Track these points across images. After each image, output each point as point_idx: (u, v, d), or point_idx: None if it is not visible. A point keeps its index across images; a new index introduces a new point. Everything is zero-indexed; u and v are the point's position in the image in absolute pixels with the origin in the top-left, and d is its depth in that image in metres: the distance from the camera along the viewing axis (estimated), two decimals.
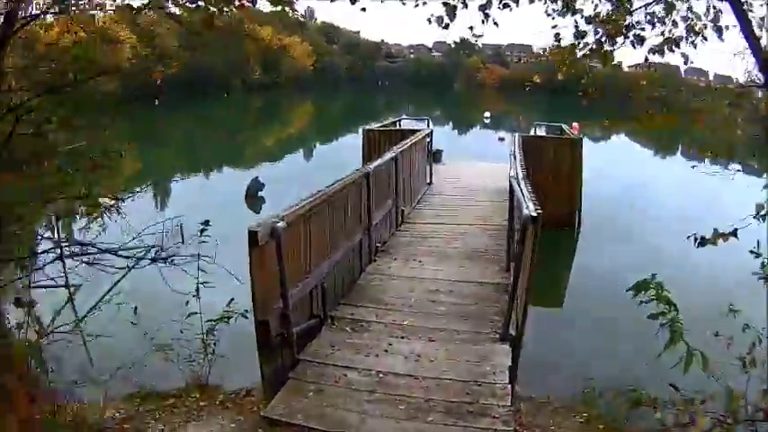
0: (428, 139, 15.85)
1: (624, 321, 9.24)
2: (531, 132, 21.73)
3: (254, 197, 18.93)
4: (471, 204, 13.28)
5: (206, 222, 7.13)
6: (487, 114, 53.85)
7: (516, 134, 14.88)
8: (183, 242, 11.56)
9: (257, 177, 19.51)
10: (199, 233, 7.06)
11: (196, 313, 6.68)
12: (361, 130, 16.71)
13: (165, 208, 19.68)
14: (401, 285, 8.10)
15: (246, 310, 6.20)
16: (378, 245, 9.51)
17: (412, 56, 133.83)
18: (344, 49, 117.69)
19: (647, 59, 5.63)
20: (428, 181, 15.54)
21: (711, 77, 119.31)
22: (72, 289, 9.37)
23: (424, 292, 7.79)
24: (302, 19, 76.52)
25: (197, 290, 6.89)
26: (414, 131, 15.36)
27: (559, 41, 5.56)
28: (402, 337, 6.53)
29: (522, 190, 6.94)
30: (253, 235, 5.03)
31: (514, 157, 10.53)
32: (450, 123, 54.90)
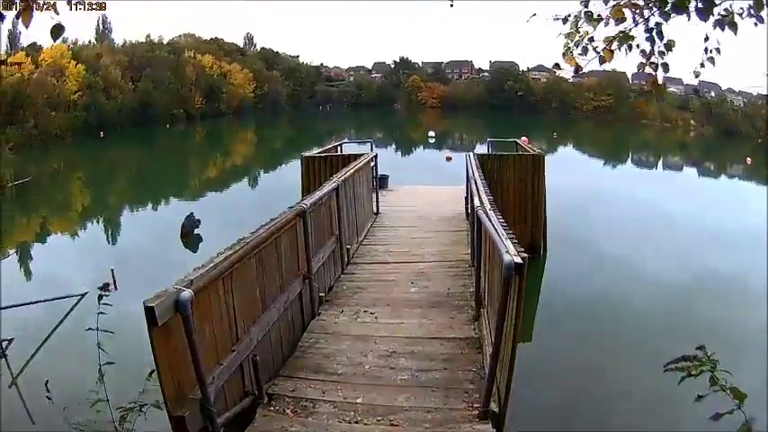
0: (372, 164, 14.51)
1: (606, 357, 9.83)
2: (483, 149, 20.94)
3: (189, 235, 17.73)
4: (426, 236, 12.02)
5: (104, 287, 5.73)
6: (432, 134, 53.69)
7: (471, 154, 13.47)
8: (115, 288, 11.03)
9: (191, 214, 18.20)
10: (98, 300, 5.70)
11: (101, 401, 5.42)
12: (300, 158, 15.26)
13: (103, 246, 19.12)
14: (351, 347, 6.66)
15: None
16: (321, 294, 8.01)
17: (352, 78, 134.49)
18: (284, 75, 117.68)
19: (602, 60, 4.31)
20: (375, 211, 14.27)
21: (660, 80, 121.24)
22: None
23: (380, 356, 6.38)
24: (241, 46, 76.48)
25: (100, 372, 5.60)
26: (356, 156, 13.91)
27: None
28: (356, 422, 5.13)
29: (494, 226, 5.61)
30: (150, 312, 3.76)
31: (474, 182, 9.19)
32: (394, 145, 54.49)
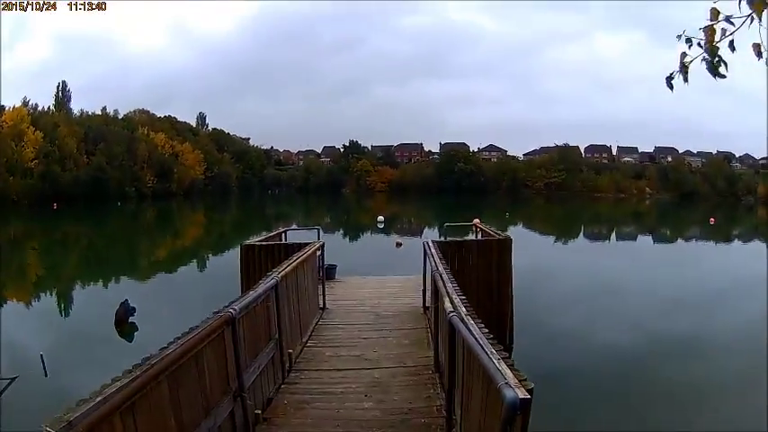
0: (319, 254, 13.17)
1: None
2: (434, 234, 20.20)
3: (123, 323, 16.39)
4: (381, 336, 10.63)
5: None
6: (381, 218, 52.94)
7: (429, 241, 12.00)
8: (45, 375, 11.86)
9: (126, 301, 16.86)
10: None
11: None
12: (239, 247, 13.84)
13: (54, 318, 19.08)
14: None
15: None
16: (257, 412, 6.66)
17: (301, 162, 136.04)
18: (234, 157, 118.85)
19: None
20: (321, 305, 12.87)
21: (615, 151, 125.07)
22: None
23: None
24: (194, 125, 79.13)
25: None
26: (301, 246, 12.64)
27: None
28: None
29: (479, 342, 4.33)
30: None
31: (440, 277, 7.75)
32: (342, 230, 53.97)
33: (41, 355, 12.14)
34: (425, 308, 12.13)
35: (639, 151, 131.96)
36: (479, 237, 17.08)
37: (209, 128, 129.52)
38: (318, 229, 17.75)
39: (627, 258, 34.88)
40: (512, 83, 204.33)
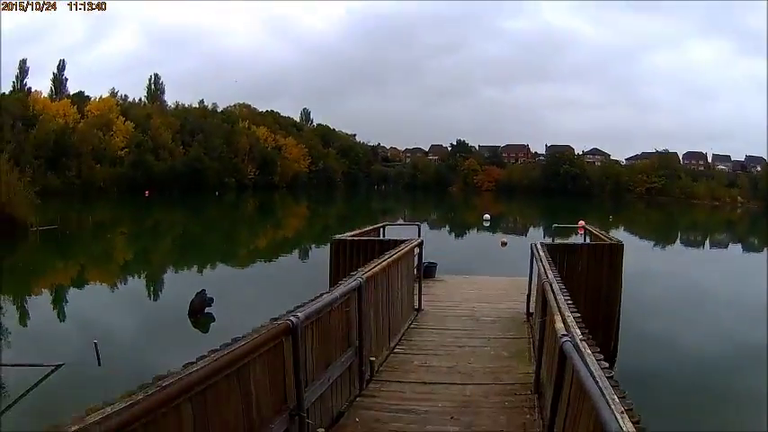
0: (416, 252, 12.05)
1: None
2: (539, 234, 18.84)
3: (198, 313, 15.72)
4: (478, 345, 9.41)
5: None
6: (487, 217, 51.72)
7: (538, 244, 10.90)
8: (99, 364, 11.61)
9: (203, 291, 16.14)
10: None
11: None
12: (330, 242, 12.72)
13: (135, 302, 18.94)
14: None
15: None
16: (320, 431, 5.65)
17: (408, 159, 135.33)
18: (340, 152, 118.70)
19: None
20: (416, 306, 11.69)
21: (710, 159, 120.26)
22: None
23: None
24: (298, 121, 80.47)
25: None
26: (397, 243, 11.39)
27: None
28: None
29: (598, 382, 3.23)
30: None
31: (550, 287, 6.63)
32: (447, 227, 53.57)
33: (95, 344, 11.84)
34: (529, 314, 10.93)
35: (732, 159, 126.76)
36: (588, 240, 15.75)
37: (314, 124, 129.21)
38: (419, 225, 16.50)
39: (717, 265, 34.30)
40: (610, 88, 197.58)
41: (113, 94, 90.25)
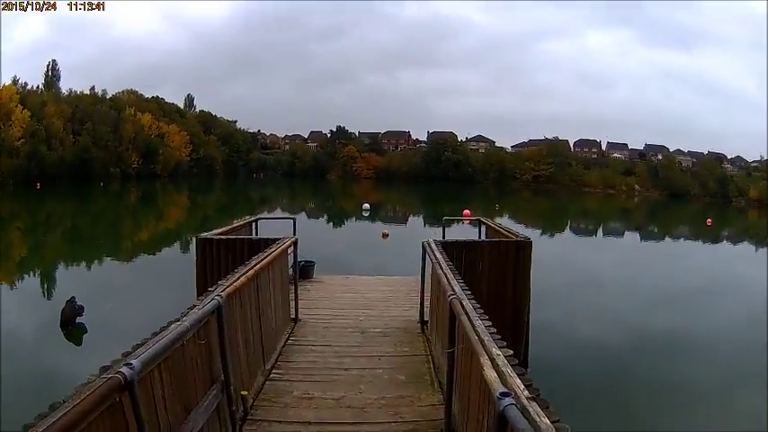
0: (291, 251, 10.42)
1: None
2: (422, 225, 17.52)
3: (70, 324, 13.88)
4: (366, 366, 7.87)
5: None
6: (366, 206, 50.23)
7: (431, 242, 9.39)
8: None
9: (73, 298, 14.24)
10: None
11: None
12: (194, 240, 11.15)
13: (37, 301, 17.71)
14: None
15: None
16: None
17: (288, 146, 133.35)
18: (221, 139, 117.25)
19: None
20: (293, 315, 10.12)
21: (604, 146, 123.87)
22: None
23: None
24: (182, 107, 77.86)
25: None
26: (268, 242, 9.79)
27: None
28: None
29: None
30: None
31: (463, 309, 5.12)
32: (326, 216, 52.53)
33: None
34: (423, 323, 9.54)
35: (629, 148, 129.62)
36: (484, 234, 14.38)
37: (197, 110, 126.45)
38: (294, 219, 14.79)
39: (612, 254, 34.19)
40: (500, 75, 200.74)
41: (15, 81, 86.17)
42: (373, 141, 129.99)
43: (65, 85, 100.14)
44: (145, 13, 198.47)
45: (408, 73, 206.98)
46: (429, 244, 9.06)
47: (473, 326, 4.57)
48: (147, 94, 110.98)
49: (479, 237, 14.49)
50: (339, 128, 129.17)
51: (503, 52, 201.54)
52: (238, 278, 6.33)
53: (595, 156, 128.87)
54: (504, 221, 40.06)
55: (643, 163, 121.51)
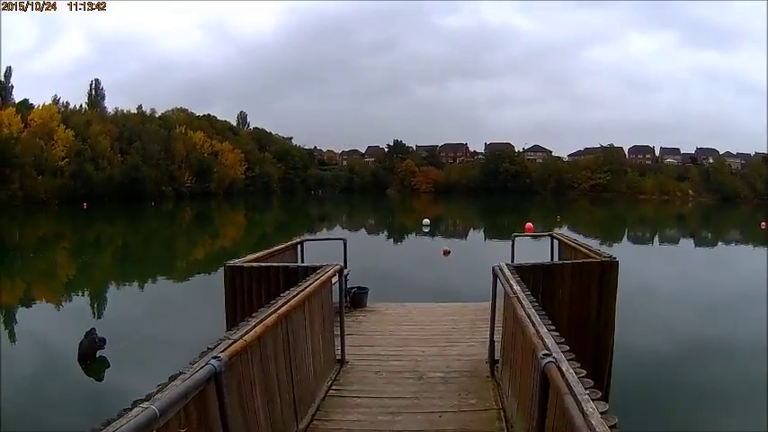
0: (335, 281, 8.49)
1: None
2: (482, 239, 15.83)
3: (88, 358, 12.56)
4: (423, 427, 6.20)
5: None
6: (426, 221, 48.66)
7: (503, 266, 7.73)
8: None
9: (93, 330, 12.91)
10: None
11: None
12: (224, 268, 9.30)
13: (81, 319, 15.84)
14: None
15: None
16: None
17: (345, 162, 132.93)
18: (276, 157, 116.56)
19: None
20: (338, 357, 8.35)
21: (658, 152, 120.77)
22: None
23: None
24: (234, 124, 78.52)
25: None
26: (308, 270, 8.34)
27: None
28: None
29: None
30: None
31: (560, 374, 3.56)
32: (386, 232, 51.78)
33: None
34: (493, 364, 7.82)
35: (681, 152, 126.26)
36: (556, 251, 12.62)
37: (251, 127, 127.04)
38: (344, 241, 13.26)
39: (668, 262, 33.10)
40: (547, 83, 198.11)
41: (55, 101, 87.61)
42: (431, 154, 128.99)
43: (109, 104, 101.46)
44: (186, 29, 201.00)
45: (459, 84, 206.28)
46: (501, 270, 7.36)
47: (583, 413, 2.92)
48: (198, 113, 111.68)
49: (551, 254, 12.71)
50: (396, 142, 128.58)
51: (548, 60, 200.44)
52: (253, 327, 4.79)
53: (650, 162, 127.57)
54: (565, 233, 38.32)
55: (695, 167, 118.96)
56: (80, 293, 22.73)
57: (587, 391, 3.24)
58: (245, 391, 4.58)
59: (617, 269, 8.83)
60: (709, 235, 53.36)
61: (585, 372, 3.55)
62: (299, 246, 12.51)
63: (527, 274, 7.97)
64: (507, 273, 7.15)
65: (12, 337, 15.91)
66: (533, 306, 5.36)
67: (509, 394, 6.39)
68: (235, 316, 8.47)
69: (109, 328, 14.50)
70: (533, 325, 4.67)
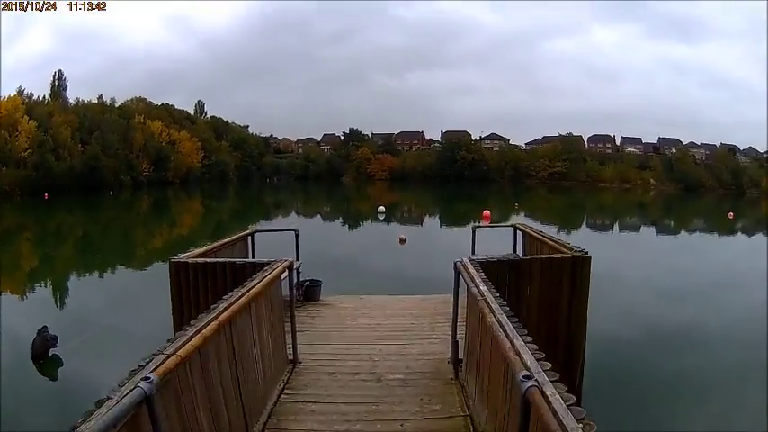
0: (284, 276, 7.62)
1: None
2: (438, 226, 15.42)
3: (41, 357, 11.97)
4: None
5: None
6: (382, 209, 48.12)
7: (466, 260, 7.22)
8: None
9: (44, 328, 12.25)
10: None
11: None
12: (168, 264, 8.66)
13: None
14: None
15: None
16: None
17: (300, 150, 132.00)
18: (233, 145, 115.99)
19: None
20: (290, 358, 7.73)
21: (618, 141, 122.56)
22: None
23: None
24: (192, 114, 76.81)
25: None
26: (255, 266, 7.69)
27: None
28: None
29: None
30: None
31: (544, 400, 3.11)
32: (341, 219, 51.63)
33: None
34: (457, 364, 7.32)
35: (643, 142, 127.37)
36: (520, 242, 12.14)
37: (208, 116, 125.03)
38: (296, 232, 12.70)
39: (628, 249, 32.59)
40: (509, 74, 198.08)
41: (20, 92, 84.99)
42: (387, 142, 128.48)
43: (71, 96, 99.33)
44: (148, 22, 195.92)
45: (418, 74, 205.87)
46: (465, 266, 6.84)
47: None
48: (157, 102, 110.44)
49: (514, 246, 12.26)
50: (352, 130, 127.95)
51: (510, 51, 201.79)
52: (190, 338, 4.21)
53: (610, 151, 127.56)
54: (522, 219, 38.44)
55: (657, 157, 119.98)
56: (42, 284, 22.36)
57: (579, 426, 2.76)
58: (185, 409, 4.06)
59: (589, 264, 8.29)
60: (672, 223, 53.67)
61: (573, 397, 3.08)
62: (249, 237, 11.88)
63: (492, 269, 7.43)
64: (471, 270, 6.63)
65: None
66: (504, 311, 4.85)
67: (476, 399, 5.91)
68: (182, 313, 8.04)
69: (71, 319, 14.93)
70: (507, 335, 4.16)
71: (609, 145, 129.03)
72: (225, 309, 5.04)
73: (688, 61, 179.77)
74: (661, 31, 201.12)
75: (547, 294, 8.03)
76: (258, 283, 6.24)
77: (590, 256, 8.35)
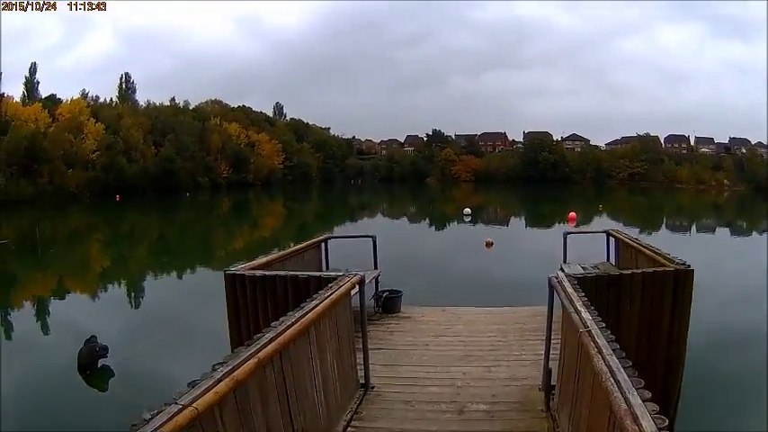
0: (354, 292, 6.63)
1: None
2: (523, 227, 14.33)
3: (88, 368, 11.31)
4: None
5: None
6: (467, 211, 47.20)
7: (561, 276, 6.27)
8: None
9: (93, 338, 11.56)
10: None
11: None
12: (223, 275, 7.89)
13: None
14: None
15: None
16: None
17: (384, 151, 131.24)
18: (315, 147, 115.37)
19: None
20: (361, 382, 6.77)
21: (693, 141, 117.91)
22: None
23: None
24: (270, 116, 76.95)
25: None
26: (321, 281, 6.83)
27: None
28: None
29: None
30: None
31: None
32: (427, 220, 50.96)
33: None
34: (549, 392, 6.21)
35: (715, 142, 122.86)
36: (613, 250, 10.92)
37: (287, 118, 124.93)
38: (374, 239, 11.60)
39: (705, 250, 30.74)
40: (581, 74, 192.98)
41: (84, 95, 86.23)
42: (470, 143, 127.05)
43: (141, 98, 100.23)
44: (218, 24, 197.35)
45: (494, 75, 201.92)
46: (562, 283, 5.77)
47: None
48: (233, 105, 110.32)
49: (607, 254, 11.04)
50: (435, 131, 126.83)
51: (582, 51, 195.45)
52: (218, 381, 3.35)
53: (685, 151, 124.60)
54: (606, 221, 36.56)
55: (729, 157, 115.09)
56: (116, 285, 22.36)
57: None
58: None
59: (692, 279, 7.29)
60: (744, 224, 51.68)
61: None
62: (322, 244, 11.04)
63: (589, 285, 6.36)
64: (570, 290, 5.52)
65: (44, 329, 15.42)
66: (617, 355, 3.74)
67: None
68: (239, 331, 7.39)
69: (144, 319, 15.21)
70: (620, 390, 3.15)
71: (684, 145, 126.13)
72: (269, 341, 4.14)
73: (749, 61, 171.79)
74: (725, 32, 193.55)
75: (648, 312, 7.02)
76: (319, 304, 5.33)
77: (692, 270, 7.38)
